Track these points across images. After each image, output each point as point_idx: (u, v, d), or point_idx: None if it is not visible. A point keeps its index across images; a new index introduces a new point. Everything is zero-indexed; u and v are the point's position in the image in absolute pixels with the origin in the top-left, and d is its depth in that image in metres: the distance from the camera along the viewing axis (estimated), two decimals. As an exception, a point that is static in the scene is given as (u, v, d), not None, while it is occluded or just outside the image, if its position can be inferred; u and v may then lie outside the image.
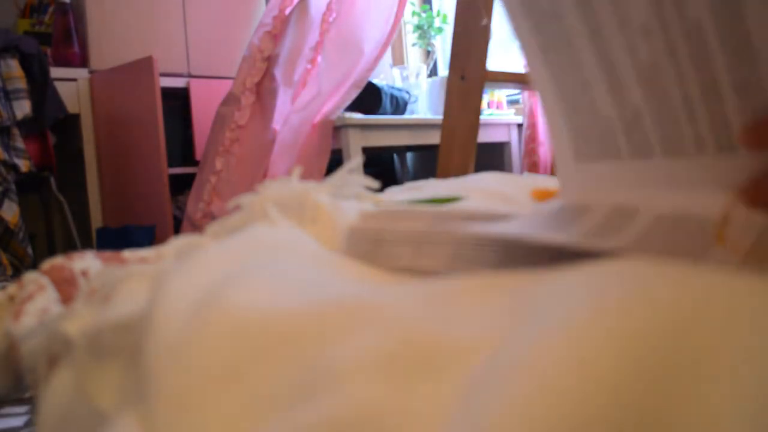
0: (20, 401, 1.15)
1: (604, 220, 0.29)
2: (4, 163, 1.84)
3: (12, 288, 0.45)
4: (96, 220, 2.24)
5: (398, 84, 2.53)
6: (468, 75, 1.68)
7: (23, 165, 1.89)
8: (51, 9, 2.36)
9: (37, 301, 0.43)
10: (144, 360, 0.25)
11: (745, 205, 0.25)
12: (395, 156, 2.98)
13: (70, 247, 2.24)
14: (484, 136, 2.34)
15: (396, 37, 2.47)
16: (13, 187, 1.87)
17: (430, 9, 2.90)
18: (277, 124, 2.02)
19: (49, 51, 2.23)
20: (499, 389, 0.18)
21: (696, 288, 0.20)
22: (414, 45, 2.76)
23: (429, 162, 2.86)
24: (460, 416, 0.18)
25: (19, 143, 1.91)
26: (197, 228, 1.98)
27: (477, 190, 0.63)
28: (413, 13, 2.69)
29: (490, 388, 0.18)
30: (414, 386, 0.21)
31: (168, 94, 2.21)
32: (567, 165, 0.32)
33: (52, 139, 2.13)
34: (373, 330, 0.23)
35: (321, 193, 0.47)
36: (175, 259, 0.43)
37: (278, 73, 1.99)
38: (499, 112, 2.58)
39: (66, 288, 0.45)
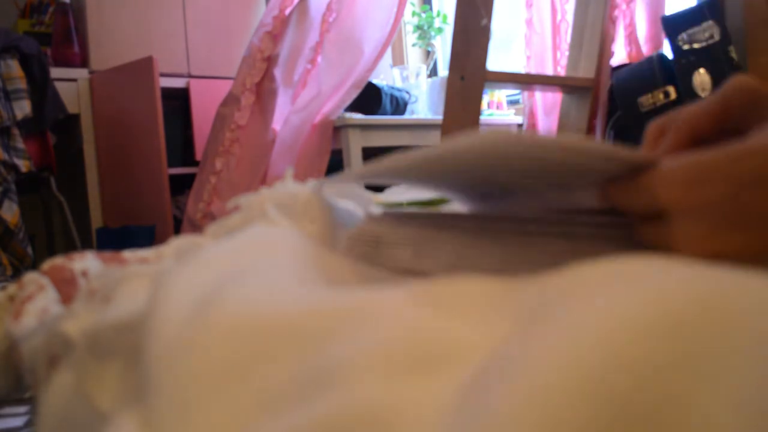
0: (20, 401, 1.15)
1: None
2: (4, 163, 1.84)
3: (12, 288, 0.45)
4: (96, 220, 2.24)
5: (398, 84, 2.53)
6: (468, 75, 1.68)
7: (23, 165, 1.89)
8: (51, 9, 2.35)
9: (37, 301, 0.43)
10: (144, 360, 0.25)
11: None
12: (395, 156, 2.97)
13: (70, 247, 2.24)
14: (484, 136, 2.34)
15: (396, 37, 2.47)
16: (13, 187, 1.87)
17: (430, 9, 2.90)
18: (277, 124, 2.02)
19: (49, 51, 2.23)
20: (498, 389, 0.18)
21: (694, 288, 0.20)
22: (414, 45, 2.76)
23: (429, 162, 2.85)
24: (460, 415, 0.18)
25: (19, 143, 1.90)
26: (197, 228, 1.98)
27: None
28: (413, 13, 2.69)
29: (490, 388, 0.18)
30: (414, 385, 0.21)
31: (168, 94, 2.21)
32: None
33: (52, 139, 2.13)
34: (373, 329, 0.23)
35: (320, 193, 0.47)
36: (175, 259, 0.43)
37: (278, 73, 1.99)
38: (499, 112, 2.58)
39: (66, 288, 0.45)
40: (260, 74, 2.02)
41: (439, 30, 2.67)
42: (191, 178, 2.15)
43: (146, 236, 2.02)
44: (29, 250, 1.90)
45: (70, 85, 2.18)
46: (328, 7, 2.04)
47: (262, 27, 2.05)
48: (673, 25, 1.82)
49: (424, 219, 0.38)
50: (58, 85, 2.08)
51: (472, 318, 0.24)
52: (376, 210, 0.46)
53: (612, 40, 2.10)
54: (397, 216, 0.40)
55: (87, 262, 0.48)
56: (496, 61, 2.78)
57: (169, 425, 0.23)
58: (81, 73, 2.22)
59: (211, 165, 2.02)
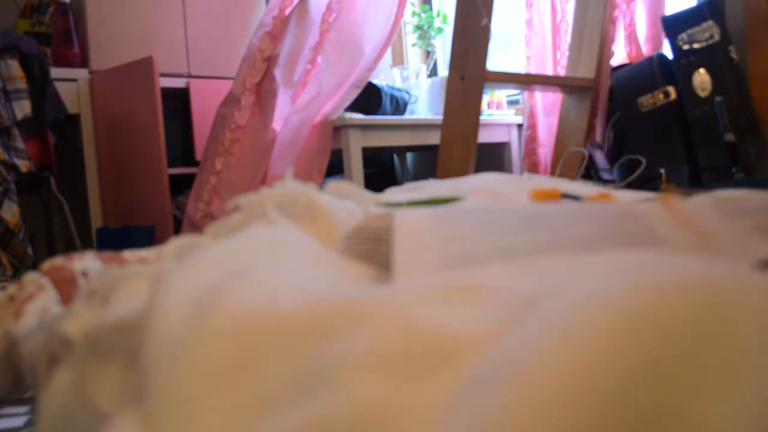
0: (20, 401, 1.15)
1: None
2: (4, 163, 1.84)
3: (12, 288, 0.45)
4: (96, 220, 2.24)
5: (398, 84, 2.53)
6: (468, 75, 1.68)
7: (23, 165, 1.89)
8: (51, 9, 2.36)
9: (37, 301, 0.43)
10: (143, 360, 0.25)
11: None
12: (395, 156, 2.98)
13: (70, 247, 2.24)
14: (484, 136, 2.34)
15: (396, 37, 2.47)
16: (13, 187, 1.87)
17: (430, 9, 2.90)
18: (277, 124, 2.02)
19: (49, 51, 2.23)
20: (497, 388, 0.18)
21: (696, 285, 0.20)
22: (414, 45, 2.76)
23: (429, 162, 2.86)
24: (458, 414, 0.18)
25: (19, 143, 1.91)
26: (197, 228, 1.98)
27: (477, 190, 0.63)
28: (413, 14, 2.69)
29: (488, 387, 0.18)
30: (412, 383, 0.21)
31: (168, 94, 2.21)
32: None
33: (52, 139, 2.13)
34: (372, 328, 0.23)
35: (320, 192, 0.47)
36: (175, 259, 0.43)
37: (278, 73, 1.99)
38: (499, 112, 2.58)
39: (66, 288, 0.45)
40: (260, 74, 2.02)
41: (439, 30, 2.67)
42: (191, 178, 2.15)
43: (146, 236, 2.02)
44: (29, 250, 1.90)
45: (70, 85, 2.18)
46: (328, 7, 2.04)
47: (262, 27, 2.05)
48: (673, 25, 1.82)
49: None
50: (58, 85, 2.08)
51: (471, 315, 0.24)
52: (376, 209, 0.46)
53: (612, 40, 2.10)
54: (396, 212, 0.40)
55: (87, 262, 0.48)
56: (496, 61, 2.78)
57: (168, 425, 0.23)
58: (81, 73, 2.22)
59: (211, 165, 2.02)
